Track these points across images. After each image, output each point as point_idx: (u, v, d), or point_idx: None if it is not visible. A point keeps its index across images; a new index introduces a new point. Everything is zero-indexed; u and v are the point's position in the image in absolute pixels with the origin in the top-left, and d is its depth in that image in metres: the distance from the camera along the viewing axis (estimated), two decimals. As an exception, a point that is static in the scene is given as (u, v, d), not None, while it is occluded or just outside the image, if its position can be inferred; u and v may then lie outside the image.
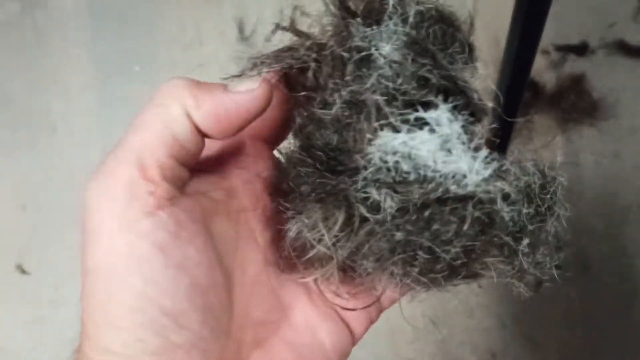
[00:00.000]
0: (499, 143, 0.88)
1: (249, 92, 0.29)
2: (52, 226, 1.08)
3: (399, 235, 0.28)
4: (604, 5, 1.01)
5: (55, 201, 1.08)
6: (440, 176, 0.29)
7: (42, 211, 1.08)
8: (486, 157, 0.30)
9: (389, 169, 0.29)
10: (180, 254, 0.25)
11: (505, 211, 0.29)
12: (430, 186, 0.28)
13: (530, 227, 0.30)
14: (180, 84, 0.29)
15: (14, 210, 1.09)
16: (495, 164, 0.31)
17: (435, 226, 0.28)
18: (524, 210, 0.29)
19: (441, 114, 0.29)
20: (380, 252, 0.29)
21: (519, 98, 0.78)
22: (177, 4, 1.09)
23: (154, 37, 1.09)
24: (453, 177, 0.29)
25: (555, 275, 0.31)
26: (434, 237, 0.28)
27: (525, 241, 0.30)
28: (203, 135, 0.28)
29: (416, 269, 0.29)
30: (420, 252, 0.29)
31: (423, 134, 0.29)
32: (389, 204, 0.27)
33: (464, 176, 0.29)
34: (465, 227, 0.28)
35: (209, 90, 0.29)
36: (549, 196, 0.31)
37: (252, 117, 0.29)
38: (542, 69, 1.01)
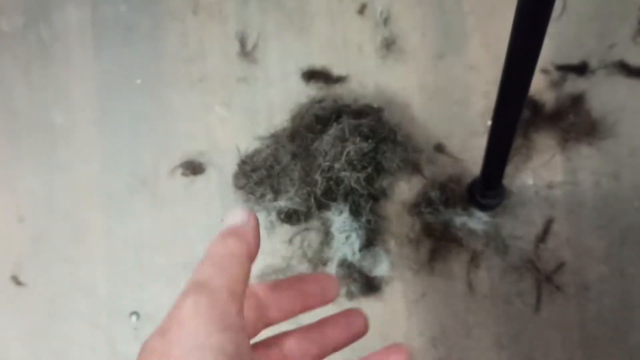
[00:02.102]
0: (497, 162, 0.88)
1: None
2: (50, 239, 1.08)
3: None
4: (604, 26, 1.01)
5: (54, 214, 1.08)
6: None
7: (41, 223, 1.08)
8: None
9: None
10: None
11: None
12: None
13: None
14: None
15: (11, 221, 1.09)
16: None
17: None
18: None
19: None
20: None
21: (517, 117, 0.77)
22: (180, 19, 1.10)
23: (157, 51, 1.10)
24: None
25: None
26: None
27: None
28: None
29: None
30: None
31: None
32: None
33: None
34: None
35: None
36: None
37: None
38: (542, 88, 1.01)
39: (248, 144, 1.04)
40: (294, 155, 0.91)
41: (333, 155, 0.88)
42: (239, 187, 1.00)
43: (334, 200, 0.92)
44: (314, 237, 1.00)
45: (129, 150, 1.08)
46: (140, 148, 1.08)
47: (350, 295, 1.00)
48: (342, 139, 0.89)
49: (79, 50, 1.12)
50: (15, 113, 1.11)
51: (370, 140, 0.91)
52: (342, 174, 0.88)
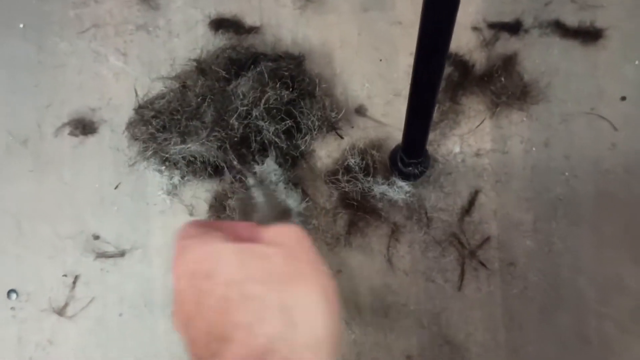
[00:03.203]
0: (419, 126, 0.79)
1: None
2: None
3: None
4: (540, -19, 0.93)
5: None
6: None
7: None
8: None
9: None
10: None
11: None
12: None
13: None
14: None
15: None
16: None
17: None
18: None
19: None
20: None
21: (438, 75, 0.68)
22: (69, -45, 0.95)
23: (42, -9, 0.95)
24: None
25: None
26: None
27: None
28: None
29: None
30: None
31: None
32: None
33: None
34: None
35: None
36: None
37: None
38: (472, 47, 0.92)
39: (148, 87, 0.91)
40: (204, 97, 0.79)
41: (251, 101, 0.77)
42: (135, 137, 0.87)
43: (250, 150, 0.81)
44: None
45: (6, 104, 0.94)
46: (20, 102, 0.94)
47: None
48: (262, 83, 0.78)
49: (-51, -13, 0.95)
50: None
51: (290, 90, 0.80)
52: (260, 123, 0.76)
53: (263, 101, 0.77)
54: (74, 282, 0.92)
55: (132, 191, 0.92)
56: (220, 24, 0.94)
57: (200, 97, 0.81)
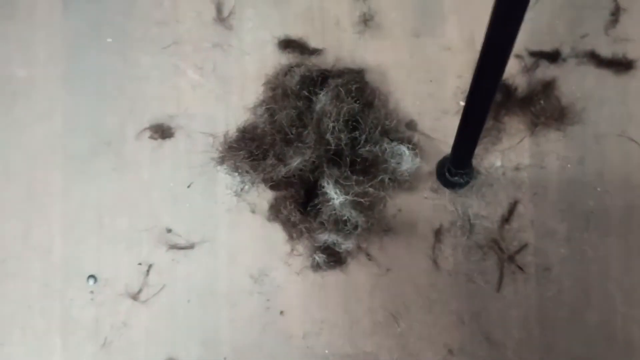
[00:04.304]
0: (468, 142, 0.89)
1: None
2: (4, 197, 1.03)
3: None
4: (577, 16, 1.04)
5: (9, 171, 1.04)
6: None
7: (-3, 180, 1.04)
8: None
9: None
10: None
11: None
12: None
13: None
14: None
15: (-34, 176, 1.04)
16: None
17: None
18: None
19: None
20: None
21: (490, 100, 0.78)
22: (155, -21, 1.07)
23: (129, 10, 1.07)
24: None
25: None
26: None
27: None
28: None
29: None
30: None
31: None
32: None
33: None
34: None
35: None
36: None
37: None
38: (514, 73, 1.02)
39: (235, 110, 1.02)
40: (294, 119, 0.90)
41: (335, 116, 0.88)
42: (236, 167, 0.97)
43: (342, 160, 0.92)
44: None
45: (94, 110, 1.05)
46: (106, 108, 1.05)
47: (315, 268, 0.99)
48: (338, 98, 0.89)
49: (46, 5, 1.07)
50: (-25, 64, 1.06)
51: (358, 102, 0.92)
52: (340, 135, 0.88)
53: (342, 115, 0.88)
54: (148, 271, 1.02)
55: (202, 190, 1.03)
56: (287, 45, 1.05)
57: (290, 119, 0.92)
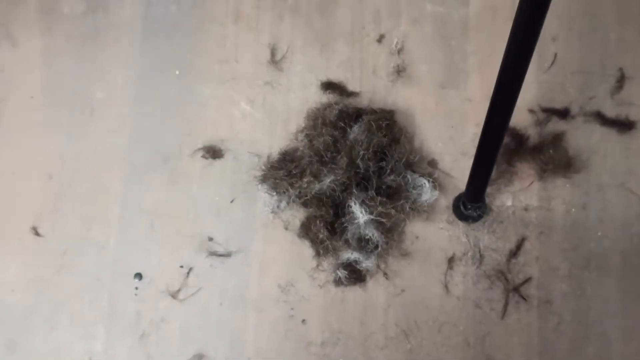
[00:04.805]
0: (481, 179, 1.01)
1: None
2: (72, 197, 1.18)
3: None
4: (587, 80, 1.17)
5: (79, 175, 1.19)
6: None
7: (66, 182, 1.19)
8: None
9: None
10: None
11: None
12: None
13: None
14: None
15: (41, 177, 1.20)
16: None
17: None
18: None
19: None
20: None
21: (499, 144, 0.91)
22: (221, 24, 1.25)
23: (196, 49, 1.24)
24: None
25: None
26: None
27: None
28: None
29: None
30: None
31: None
32: None
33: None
34: None
35: None
36: None
37: None
38: (528, 125, 1.15)
39: (279, 138, 1.18)
40: (329, 145, 1.05)
41: (366, 145, 1.02)
42: (275, 185, 1.12)
43: (366, 186, 1.06)
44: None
45: (157, 129, 1.21)
46: (167, 129, 1.21)
47: (337, 282, 1.10)
48: (370, 131, 1.03)
49: (127, 39, 1.26)
50: (61, 83, 1.25)
51: (386, 137, 1.06)
52: (369, 162, 1.02)
53: (372, 145, 1.02)
54: (188, 273, 1.14)
55: (243, 206, 1.16)
56: (328, 87, 1.21)
57: (326, 145, 1.06)
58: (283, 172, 1.07)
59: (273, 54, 1.24)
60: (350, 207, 1.03)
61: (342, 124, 1.08)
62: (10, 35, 1.28)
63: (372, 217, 1.02)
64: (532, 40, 0.70)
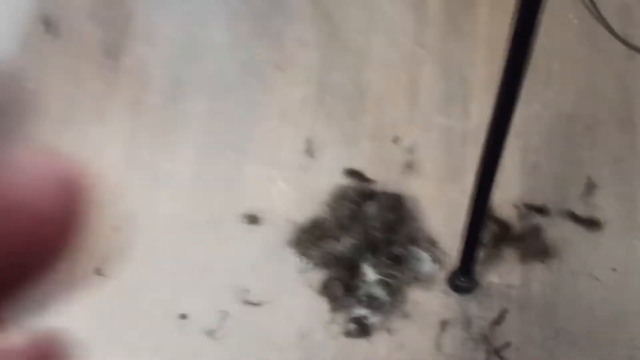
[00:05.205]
0: (466, 264, 1.25)
1: None
2: (138, 247, 1.44)
3: None
4: (562, 184, 1.44)
5: (146, 230, 1.46)
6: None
7: (131, 234, 1.46)
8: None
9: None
10: None
11: None
12: None
13: None
14: None
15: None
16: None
17: None
18: None
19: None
20: None
21: (479, 233, 1.17)
22: (270, 120, 1.57)
23: (248, 137, 1.55)
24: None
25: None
26: None
27: None
28: None
29: None
30: None
31: None
32: None
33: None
34: None
35: None
36: None
37: None
38: (512, 217, 1.41)
39: (307, 211, 1.44)
40: (347, 217, 1.32)
41: (377, 219, 1.28)
42: (305, 251, 1.38)
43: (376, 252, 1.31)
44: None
45: (211, 196, 1.49)
46: (217, 195, 1.49)
47: (347, 334, 1.32)
48: (381, 209, 1.30)
49: (196, 126, 1.58)
50: (138, 157, 1.55)
51: (395, 215, 1.32)
52: (380, 233, 1.28)
53: (382, 220, 1.28)
54: (224, 317, 1.37)
55: (275, 265, 1.41)
56: (351, 174, 1.49)
57: (345, 216, 1.33)
58: (310, 237, 1.33)
59: (308, 145, 1.53)
60: (363, 268, 1.27)
61: (359, 200, 1.35)
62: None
63: (380, 277, 1.26)
64: (498, 152, 0.97)
